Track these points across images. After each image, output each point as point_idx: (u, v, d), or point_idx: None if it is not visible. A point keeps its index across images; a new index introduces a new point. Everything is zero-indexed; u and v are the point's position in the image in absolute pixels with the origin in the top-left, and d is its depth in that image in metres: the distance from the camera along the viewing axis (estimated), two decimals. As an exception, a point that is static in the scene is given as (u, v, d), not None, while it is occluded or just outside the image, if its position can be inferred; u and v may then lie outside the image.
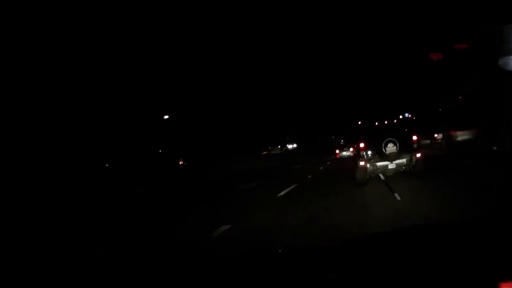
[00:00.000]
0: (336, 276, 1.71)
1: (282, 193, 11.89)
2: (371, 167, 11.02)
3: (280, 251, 2.21)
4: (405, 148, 10.89)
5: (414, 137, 11.10)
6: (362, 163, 10.97)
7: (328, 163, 29.54)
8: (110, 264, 5.34)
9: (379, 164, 10.94)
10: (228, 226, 7.07)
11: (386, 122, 11.38)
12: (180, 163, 51.26)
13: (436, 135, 21.22)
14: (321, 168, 23.97)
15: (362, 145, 11.03)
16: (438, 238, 1.99)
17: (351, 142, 13.23)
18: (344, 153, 37.52)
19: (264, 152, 68.70)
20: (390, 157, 10.89)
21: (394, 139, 10.74)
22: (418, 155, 10.97)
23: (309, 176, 17.66)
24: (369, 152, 11.06)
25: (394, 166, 10.98)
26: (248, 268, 1.91)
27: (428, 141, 26.40)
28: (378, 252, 1.92)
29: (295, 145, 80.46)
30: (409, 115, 11.96)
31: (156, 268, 2.46)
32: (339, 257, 1.95)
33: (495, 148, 17.85)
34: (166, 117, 40.10)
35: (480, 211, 5.70)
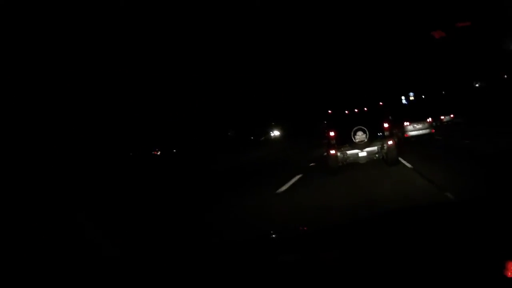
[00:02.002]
0: (336, 254, 1.79)
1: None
2: (342, 155, 11.20)
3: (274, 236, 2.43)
4: (375, 136, 11.16)
5: (386, 125, 11.45)
6: (332, 151, 11.25)
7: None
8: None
9: (349, 152, 11.32)
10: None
11: (356, 110, 11.47)
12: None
13: (442, 117, 22.51)
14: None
15: (332, 133, 11.22)
16: (444, 218, 2.04)
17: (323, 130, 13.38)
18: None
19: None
20: (360, 145, 11.18)
21: (363, 127, 10.93)
22: (390, 142, 11.42)
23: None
24: (340, 141, 11.17)
25: (365, 154, 11.36)
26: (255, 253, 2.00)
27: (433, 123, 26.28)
28: (378, 231, 2.00)
29: (277, 133, 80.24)
30: (380, 103, 12.03)
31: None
32: (337, 238, 2.03)
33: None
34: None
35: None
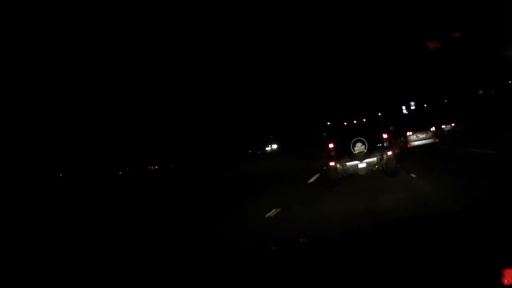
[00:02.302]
0: (338, 265, 1.81)
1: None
2: (341, 167, 11.18)
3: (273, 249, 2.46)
4: (375, 147, 11.19)
5: (385, 135, 11.49)
6: (332, 163, 11.24)
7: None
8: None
9: (349, 164, 11.34)
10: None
11: (355, 121, 11.49)
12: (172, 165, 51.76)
13: (444, 126, 22.17)
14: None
15: (331, 145, 11.23)
16: (440, 227, 2.10)
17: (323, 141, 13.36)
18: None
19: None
20: (359, 157, 11.15)
21: (362, 139, 10.94)
22: (389, 153, 11.48)
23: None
24: (339, 152, 11.16)
25: (365, 165, 11.37)
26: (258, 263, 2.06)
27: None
28: (380, 242, 2.04)
29: (275, 146, 78.89)
30: (379, 114, 12.07)
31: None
32: (341, 248, 2.08)
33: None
34: None
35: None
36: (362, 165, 11.95)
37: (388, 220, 5.44)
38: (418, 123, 21.46)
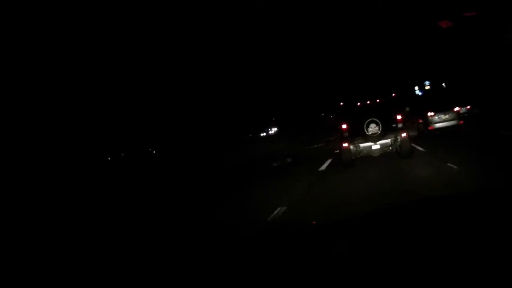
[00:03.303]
0: (346, 249, 1.82)
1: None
2: (355, 149, 11.18)
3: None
4: (389, 128, 11.17)
5: (399, 117, 11.37)
6: (345, 144, 11.30)
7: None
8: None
9: (362, 145, 11.39)
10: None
11: (368, 102, 11.42)
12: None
13: (458, 108, 19.19)
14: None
15: (344, 126, 11.25)
16: (456, 211, 2.05)
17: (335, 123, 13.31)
18: None
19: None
20: (373, 138, 11.19)
21: (376, 120, 10.91)
22: (403, 134, 11.55)
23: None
24: (352, 133, 11.12)
25: (379, 147, 11.40)
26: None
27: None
28: (390, 224, 2.04)
29: (275, 129, 76.44)
30: (393, 94, 11.95)
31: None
32: (348, 232, 2.09)
33: None
34: None
35: None
36: (376, 146, 11.99)
37: (400, 203, 5.42)
38: (439, 103, 19.94)
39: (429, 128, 18.96)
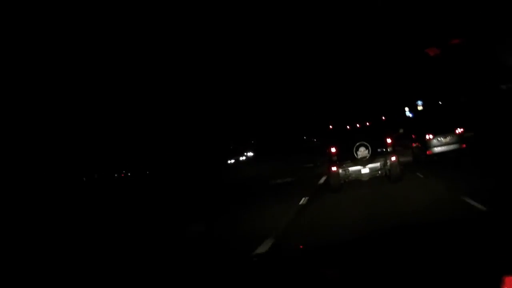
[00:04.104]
0: (336, 274, 1.83)
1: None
2: (343, 172, 10.90)
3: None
4: (378, 152, 10.87)
5: (388, 140, 11.16)
6: (334, 168, 11.04)
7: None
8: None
9: (351, 169, 11.24)
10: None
11: (358, 125, 11.24)
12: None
13: (459, 130, 16.71)
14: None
15: (333, 149, 10.97)
16: (440, 234, 2.14)
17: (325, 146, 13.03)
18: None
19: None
20: (363, 162, 10.91)
21: (365, 143, 10.68)
22: (393, 158, 11.46)
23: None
24: (341, 157, 10.86)
25: (368, 171, 11.29)
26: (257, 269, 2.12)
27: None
28: (379, 249, 2.07)
29: (250, 154, 73.09)
30: (383, 117, 11.81)
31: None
32: (340, 256, 2.11)
33: None
34: None
35: None
36: (365, 170, 11.88)
37: (388, 227, 5.13)
38: (438, 124, 17.74)
39: (427, 152, 16.69)
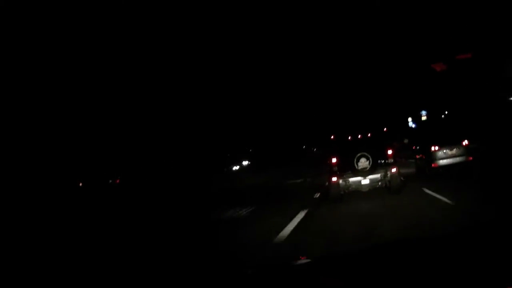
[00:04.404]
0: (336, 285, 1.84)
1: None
2: (344, 183, 10.99)
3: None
4: (379, 163, 10.95)
5: (389, 151, 11.31)
6: (334, 178, 11.21)
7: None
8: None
9: (351, 179, 11.36)
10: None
11: (359, 136, 11.34)
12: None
13: (465, 142, 15.68)
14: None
15: (334, 160, 11.07)
16: (443, 245, 2.15)
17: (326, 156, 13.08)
18: None
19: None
20: (363, 173, 10.99)
21: (366, 154, 10.80)
22: (393, 170, 11.73)
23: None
24: (342, 168, 10.92)
25: (368, 182, 11.46)
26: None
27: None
28: (380, 262, 2.06)
29: (246, 162, 70.63)
30: (385, 129, 11.90)
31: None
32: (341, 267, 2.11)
33: None
34: None
35: None
36: (365, 181, 12.02)
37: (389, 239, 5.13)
38: (444, 135, 16.95)
39: (433, 165, 15.74)
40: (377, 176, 12.21)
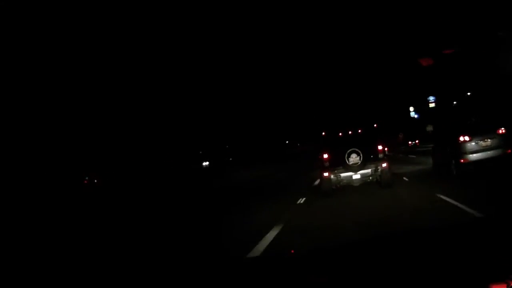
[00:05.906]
0: (325, 280, 1.86)
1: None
2: (335, 178, 11.32)
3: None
4: (369, 158, 11.31)
5: (380, 147, 11.69)
6: (326, 174, 11.60)
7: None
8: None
9: (343, 175, 11.81)
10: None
11: (350, 132, 11.65)
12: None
13: (502, 131, 12.43)
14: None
15: (325, 155, 11.39)
16: (429, 242, 2.19)
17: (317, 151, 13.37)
18: None
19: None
20: (354, 168, 11.35)
21: (357, 150, 11.12)
22: (384, 165, 12.28)
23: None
24: (333, 163, 11.25)
25: (359, 177, 11.91)
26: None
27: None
28: (370, 255, 2.11)
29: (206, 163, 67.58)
30: (375, 124, 12.26)
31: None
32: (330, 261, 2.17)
33: None
34: None
35: None
36: (356, 176, 12.53)
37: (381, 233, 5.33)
38: (475, 122, 14.36)
39: (462, 161, 12.74)
40: (367, 171, 12.90)
